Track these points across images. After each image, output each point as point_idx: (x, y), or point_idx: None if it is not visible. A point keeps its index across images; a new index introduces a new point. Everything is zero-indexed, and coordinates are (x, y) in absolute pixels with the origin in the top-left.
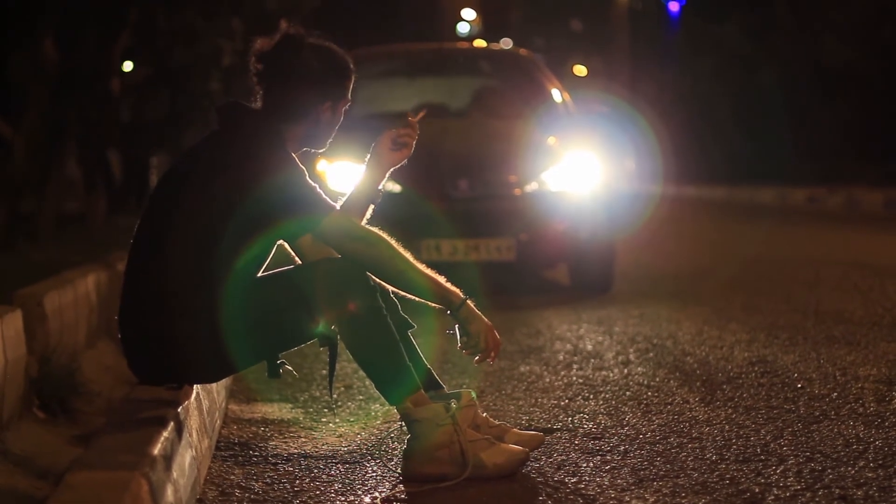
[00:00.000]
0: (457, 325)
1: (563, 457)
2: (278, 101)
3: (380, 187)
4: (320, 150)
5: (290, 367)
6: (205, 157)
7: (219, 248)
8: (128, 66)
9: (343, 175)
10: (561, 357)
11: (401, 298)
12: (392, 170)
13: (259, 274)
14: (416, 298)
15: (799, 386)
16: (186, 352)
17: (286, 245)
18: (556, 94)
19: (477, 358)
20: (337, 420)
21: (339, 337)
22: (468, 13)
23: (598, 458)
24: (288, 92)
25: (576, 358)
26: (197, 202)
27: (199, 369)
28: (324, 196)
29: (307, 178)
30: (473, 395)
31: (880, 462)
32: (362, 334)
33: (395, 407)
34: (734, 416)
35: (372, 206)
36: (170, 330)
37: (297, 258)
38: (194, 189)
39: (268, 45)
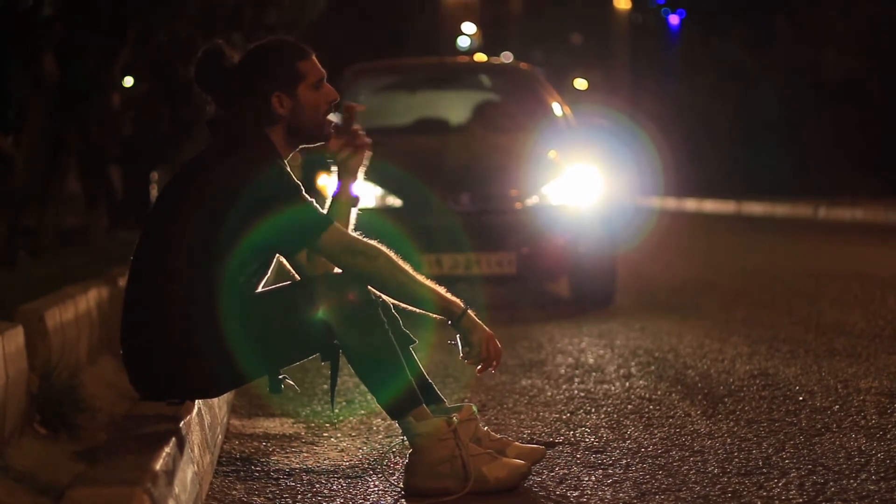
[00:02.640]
0: (458, 336)
1: (565, 470)
2: (241, 113)
3: (354, 194)
4: (318, 143)
5: (291, 382)
6: (202, 173)
7: (218, 263)
8: (128, 81)
9: None
10: (562, 370)
11: (401, 313)
12: (362, 168)
13: (259, 289)
14: (418, 310)
15: (800, 398)
16: (188, 367)
17: (284, 261)
18: (557, 108)
19: (479, 367)
20: (339, 435)
21: (340, 352)
22: (468, 27)
23: (600, 471)
24: (236, 102)
25: (577, 371)
26: (195, 219)
27: (200, 384)
28: (321, 210)
29: (303, 192)
30: (475, 408)
31: (882, 475)
32: (364, 347)
33: (396, 421)
34: (736, 429)
35: (355, 211)
36: (172, 345)
37: (296, 274)
38: (192, 205)
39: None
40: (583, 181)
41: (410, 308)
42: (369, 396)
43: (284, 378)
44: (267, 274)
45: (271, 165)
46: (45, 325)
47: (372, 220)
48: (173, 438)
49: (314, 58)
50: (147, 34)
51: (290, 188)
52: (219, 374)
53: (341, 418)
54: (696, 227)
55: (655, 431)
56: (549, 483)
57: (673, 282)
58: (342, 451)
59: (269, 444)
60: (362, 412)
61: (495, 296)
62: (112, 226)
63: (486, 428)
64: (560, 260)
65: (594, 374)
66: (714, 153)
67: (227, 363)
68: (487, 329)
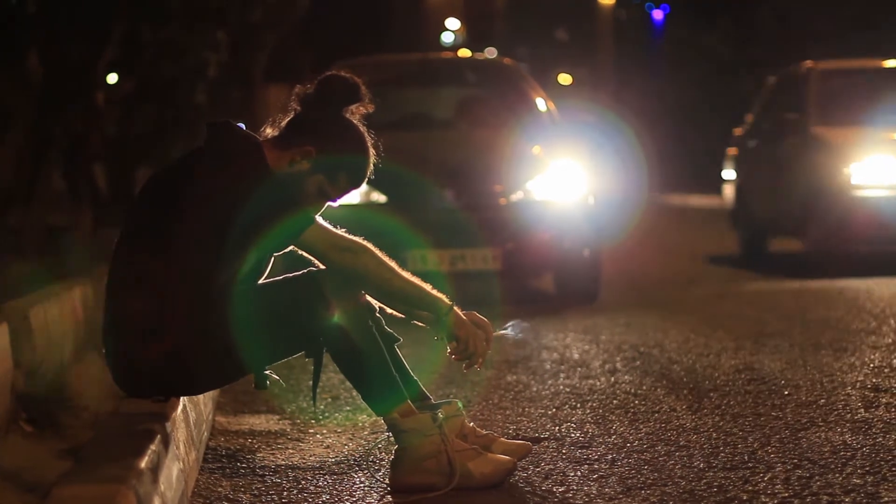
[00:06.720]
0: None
1: (551, 466)
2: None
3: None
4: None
5: (277, 377)
6: (186, 173)
7: (204, 264)
8: (112, 78)
9: None
10: (548, 366)
11: (385, 315)
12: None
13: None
14: (401, 315)
15: (786, 393)
16: (173, 365)
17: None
18: (541, 104)
19: (466, 364)
20: (324, 431)
21: (324, 349)
22: (453, 23)
23: (586, 466)
24: (296, 117)
25: (562, 367)
26: (179, 219)
27: (186, 382)
28: (305, 209)
29: (292, 199)
30: (460, 405)
31: (868, 468)
32: (347, 344)
33: (382, 417)
34: (721, 423)
35: None
36: (156, 344)
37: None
38: (175, 206)
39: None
40: (567, 177)
41: (397, 314)
42: (354, 393)
43: (270, 374)
44: (263, 274)
45: (262, 181)
46: (30, 323)
47: (356, 217)
48: (158, 436)
49: (350, 190)
50: (132, 32)
51: (280, 201)
52: (204, 372)
53: (327, 415)
54: (680, 222)
55: (641, 426)
56: (535, 479)
57: (658, 277)
58: (328, 447)
59: (254, 441)
60: (348, 408)
61: (480, 292)
62: (97, 224)
63: (471, 424)
64: (545, 255)
65: (579, 369)
66: (699, 148)
67: (213, 361)
68: (472, 325)
